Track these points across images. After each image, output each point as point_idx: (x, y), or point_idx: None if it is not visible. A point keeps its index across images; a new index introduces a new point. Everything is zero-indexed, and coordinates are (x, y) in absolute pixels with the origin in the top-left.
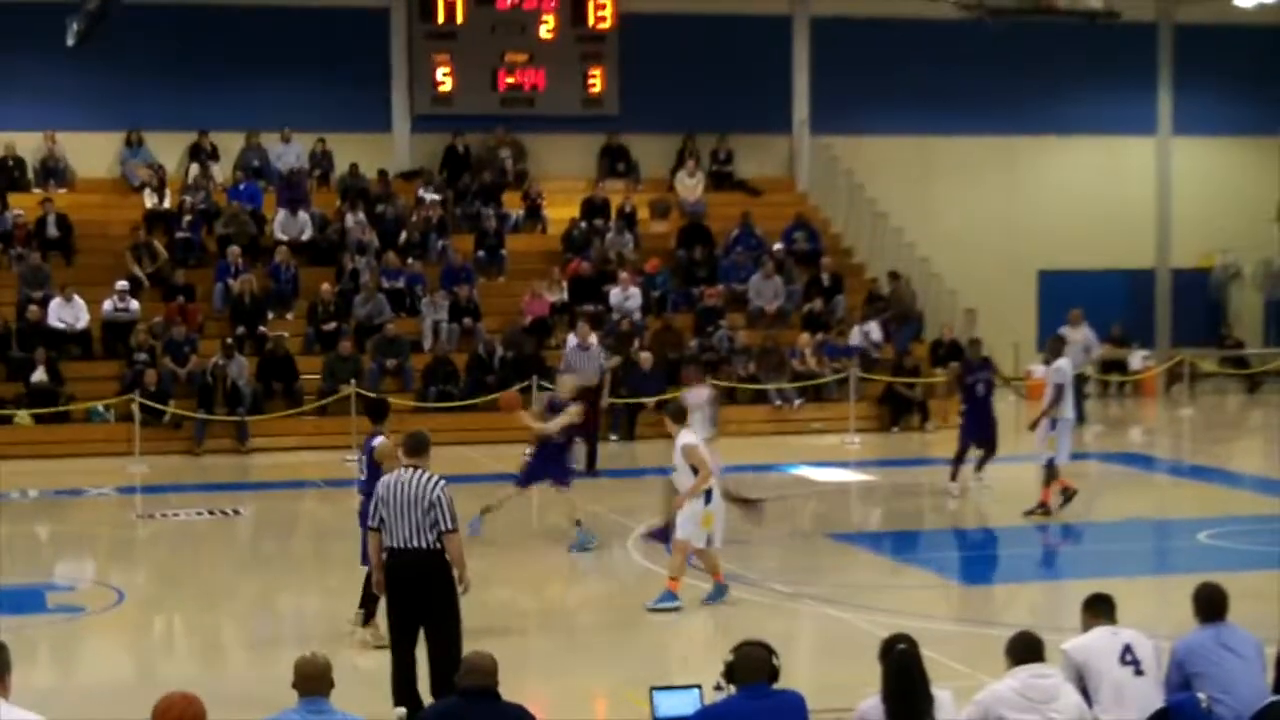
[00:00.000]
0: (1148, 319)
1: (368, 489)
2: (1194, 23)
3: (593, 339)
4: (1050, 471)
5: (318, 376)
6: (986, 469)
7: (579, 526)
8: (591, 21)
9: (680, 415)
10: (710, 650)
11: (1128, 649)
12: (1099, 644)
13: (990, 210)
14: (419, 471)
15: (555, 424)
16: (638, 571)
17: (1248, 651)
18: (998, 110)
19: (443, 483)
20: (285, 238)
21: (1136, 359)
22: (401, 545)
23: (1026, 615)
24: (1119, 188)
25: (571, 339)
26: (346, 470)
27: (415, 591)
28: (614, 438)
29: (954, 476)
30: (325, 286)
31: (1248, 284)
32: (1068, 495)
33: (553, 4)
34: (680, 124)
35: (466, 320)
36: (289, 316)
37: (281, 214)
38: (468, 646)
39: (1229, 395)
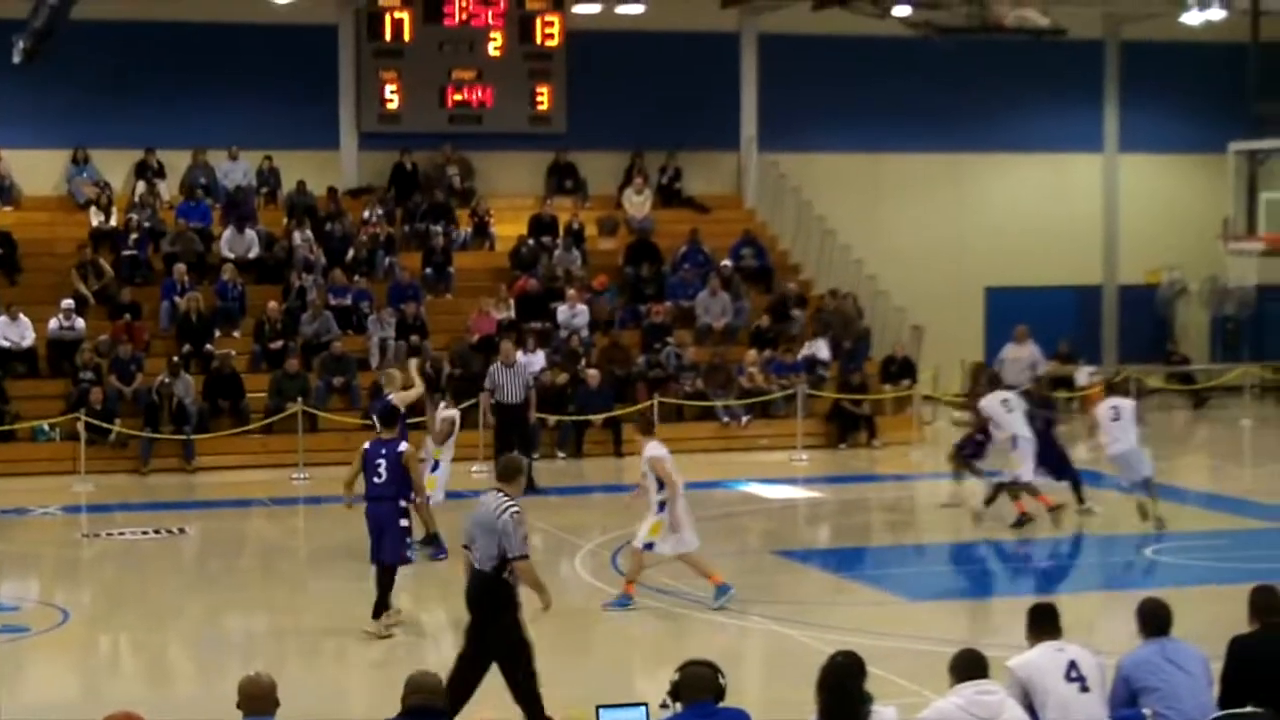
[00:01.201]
0: (1095, 335)
1: (393, 492)
2: (1140, 40)
3: (519, 357)
4: (1015, 488)
5: (264, 395)
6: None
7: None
8: (539, 39)
9: (648, 427)
10: (657, 668)
11: (1073, 665)
12: (1044, 660)
13: (938, 227)
14: (500, 495)
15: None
16: (585, 589)
17: (1193, 666)
18: (945, 127)
19: (513, 510)
20: (232, 255)
21: (1083, 375)
22: (476, 567)
23: (973, 631)
24: (1066, 205)
25: (522, 356)
26: (293, 488)
27: (476, 611)
28: (561, 455)
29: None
30: (272, 304)
31: (1194, 301)
32: (1044, 511)
33: (500, 22)
34: (628, 141)
35: (414, 338)
36: (236, 334)
37: (228, 231)
38: (413, 665)
39: (1175, 411)
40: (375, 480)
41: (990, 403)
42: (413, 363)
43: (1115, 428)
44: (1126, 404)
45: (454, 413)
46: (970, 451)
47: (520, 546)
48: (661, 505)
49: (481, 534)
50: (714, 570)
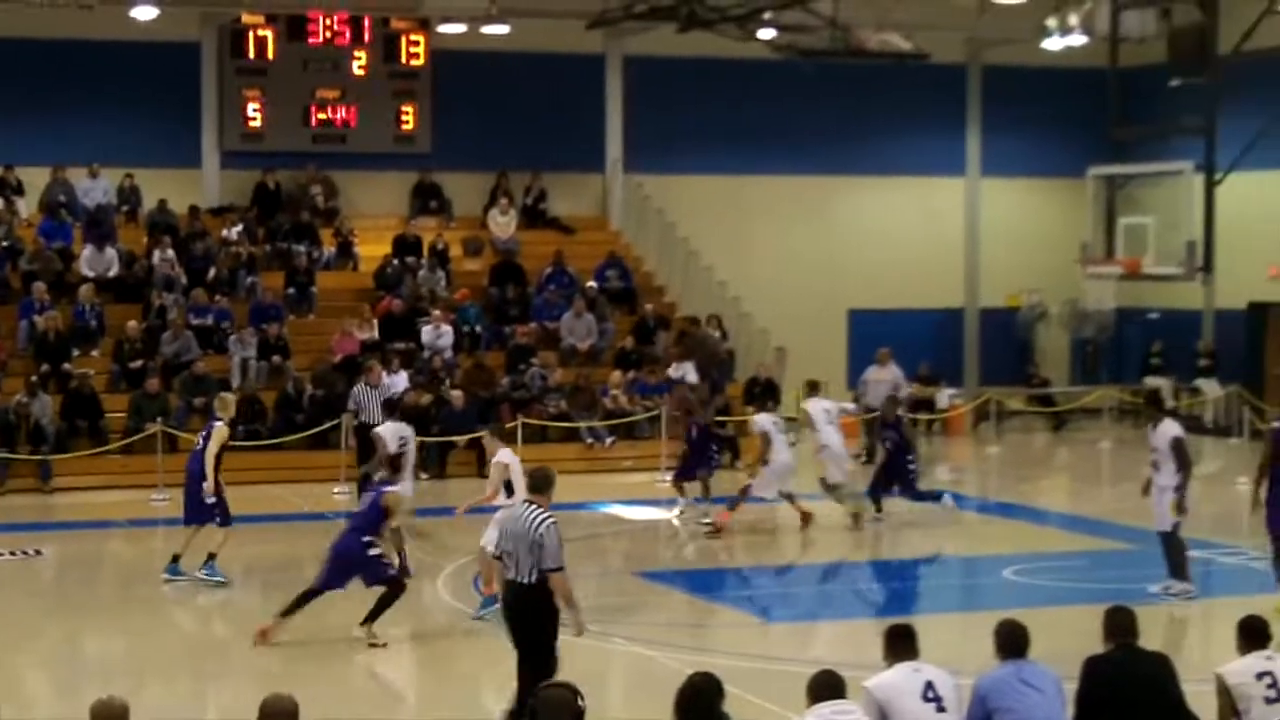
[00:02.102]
0: (956, 358)
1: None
2: (1002, 65)
3: (385, 378)
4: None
5: (123, 415)
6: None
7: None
8: (404, 59)
9: (502, 434)
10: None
11: (929, 686)
12: (901, 681)
13: (801, 249)
14: (534, 508)
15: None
16: (447, 611)
17: (1048, 687)
18: (810, 150)
19: (550, 522)
20: (92, 274)
21: (944, 397)
22: (512, 578)
23: (833, 652)
24: (929, 228)
25: (386, 378)
26: (152, 510)
27: (515, 623)
28: (424, 476)
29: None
30: (132, 324)
31: (1054, 323)
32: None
33: (365, 41)
34: (493, 162)
35: (275, 358)
36: (95, 354)
37: (88, 250)
38: (270, 688)
39: (1035, 433)
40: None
41: (763, 420)
42: (229, 397)
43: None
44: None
45: None
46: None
47: (556, 558)
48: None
49: (518, 546)
50: (494, 582)
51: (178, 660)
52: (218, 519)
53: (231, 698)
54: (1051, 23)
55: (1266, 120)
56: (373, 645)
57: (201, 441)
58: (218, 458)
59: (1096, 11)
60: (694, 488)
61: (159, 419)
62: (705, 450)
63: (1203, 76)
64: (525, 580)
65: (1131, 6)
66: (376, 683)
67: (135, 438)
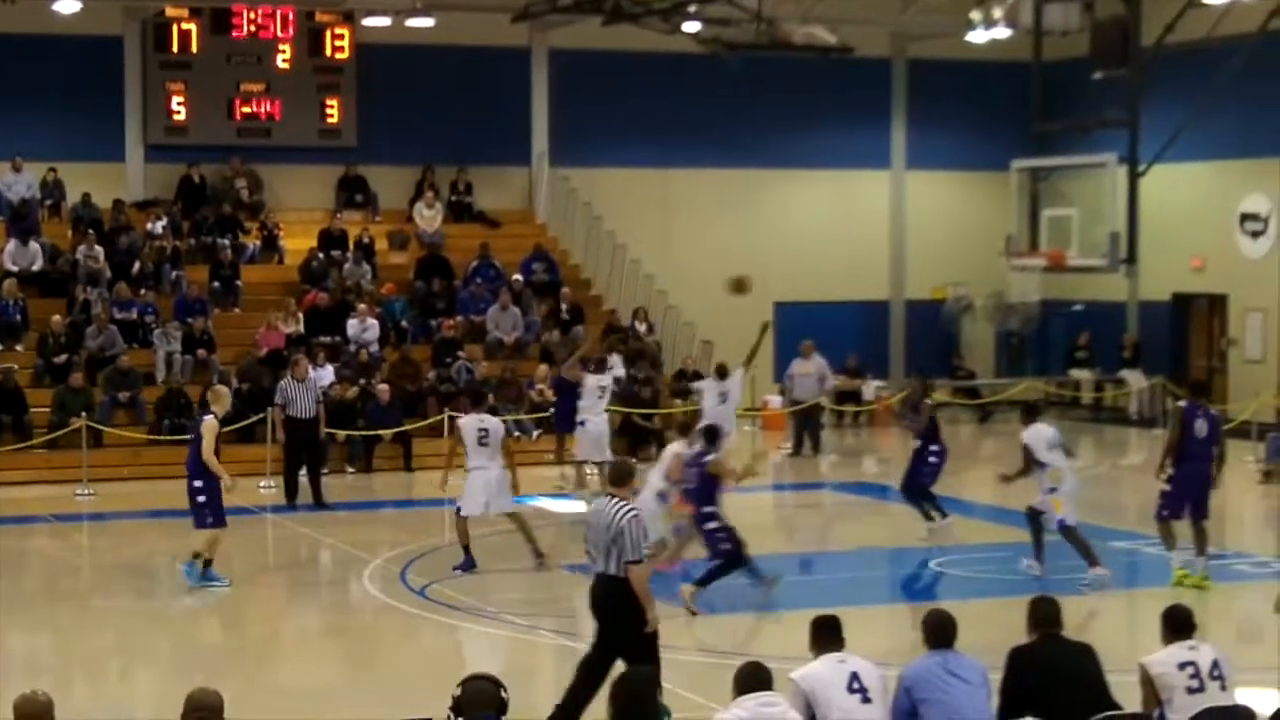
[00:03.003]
0: (882, 350)
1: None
2: (927, 59)
3: (311, 372)
4: None
5: (48, 410)
6: None
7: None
8: (329, 52)
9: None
10: (445, 683)
11: (855, 677)
12: (827, 672)
13: (728, 242)
14: (616, 501)
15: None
16: (375, 605)
17: (973, 678)
18: (736, 143)
19: (633, 513)
20: (15, 268)
21: (870, 390)
22: (601, 571)
23: (761, 644)
24: (854, 221)
25: (312, 371)
26: (77, 505)
27: (604, 616)
28: (351, 470)
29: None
30: (56, 318)
31: (979, 316)
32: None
33: (290, 34)
34: (419, 155)
35: (200, 352)
36: (18, 348)
37: (12, 244)
38: (193, 683)
39: (961, 425)
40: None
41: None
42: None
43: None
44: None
45: None
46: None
47: (636, 550)
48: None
49: (598, 539)
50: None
51: (103, 657)
52: (209, 519)
53: (157, 694)
54: (976, 16)
55: (1189, 113)
56: (691, 612)
57: (193, 438)
58: (216, 452)
59: (1020, 5)
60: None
61: (83, 414)
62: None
63: (1125, 69)
64: (611, 573)
65: (1055, 0)
66: (304, 679)
67: (60, 433)
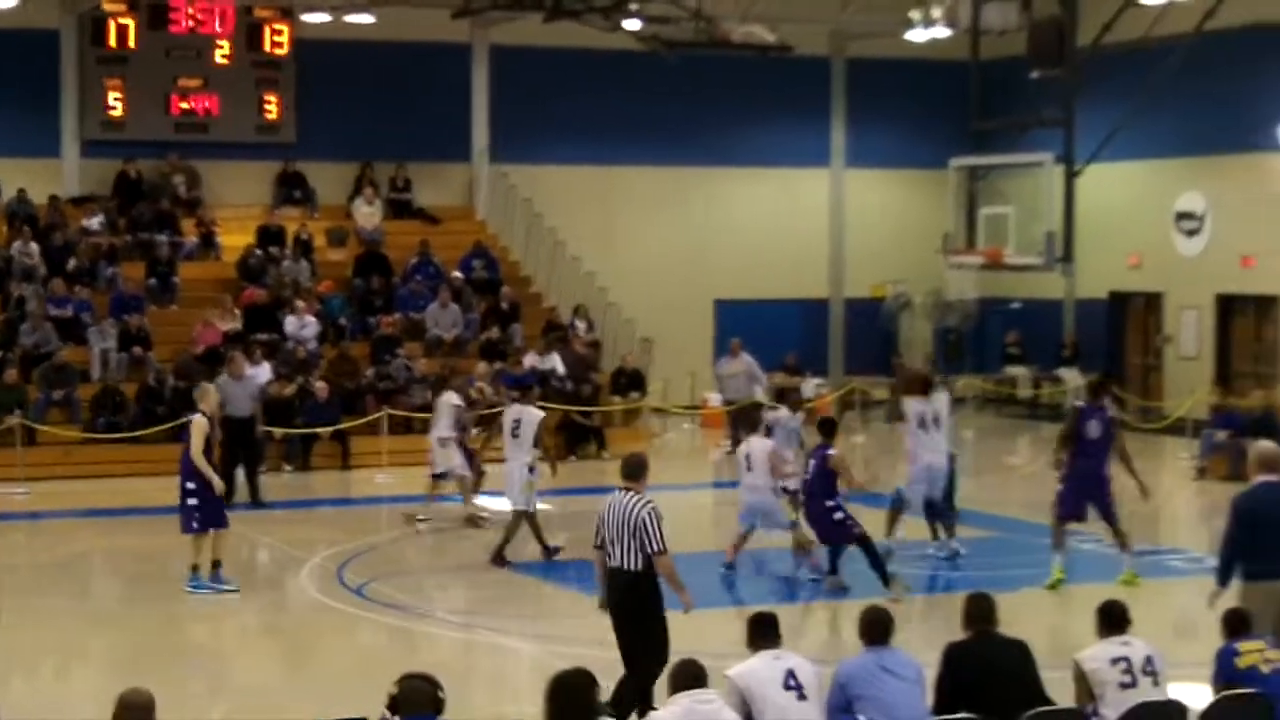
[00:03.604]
0: (822, 348)
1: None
2: (866, 57)
3: (248, 370)
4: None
5: None
6: None
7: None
8: (268, 48)
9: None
10: (382, 681)
11: (790, 674)
12: (762, 669)
13: (668, 240)
14: (631, 494)
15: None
16: (311, 604)
17: (908, 674)
18: (676, 141)
19: (651, 506)
20: None
21: (809, 387)
22: (618, 566)
23: (697, 642)
24: (794, 219)
25: (249, 369)
26: (12, 503)
27: (624, 610)
28: (288, 468)
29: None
30: None
31: (917, 314)
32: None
33: (228, 30)
34: (358, 152)
35: (136, 349)
36: None
37: None
38: (127, 683)
39: (900, 423)
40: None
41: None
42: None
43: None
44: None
45: None
46: None
47: (660, 541)
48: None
49: (616, 533)
50: None
51: (38, 656)
52: (195, 524)
53: (92, 693)
54: (915, 15)
55: (1126, 112)
56: (894, 601)
57: (185, 439)
58: (207, 453)
59: (959, 4)
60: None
61: (17, 411)
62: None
63: (1062, 69)
64: (634, 567)
65: (993, 0)
66: (241, 678)
67: None
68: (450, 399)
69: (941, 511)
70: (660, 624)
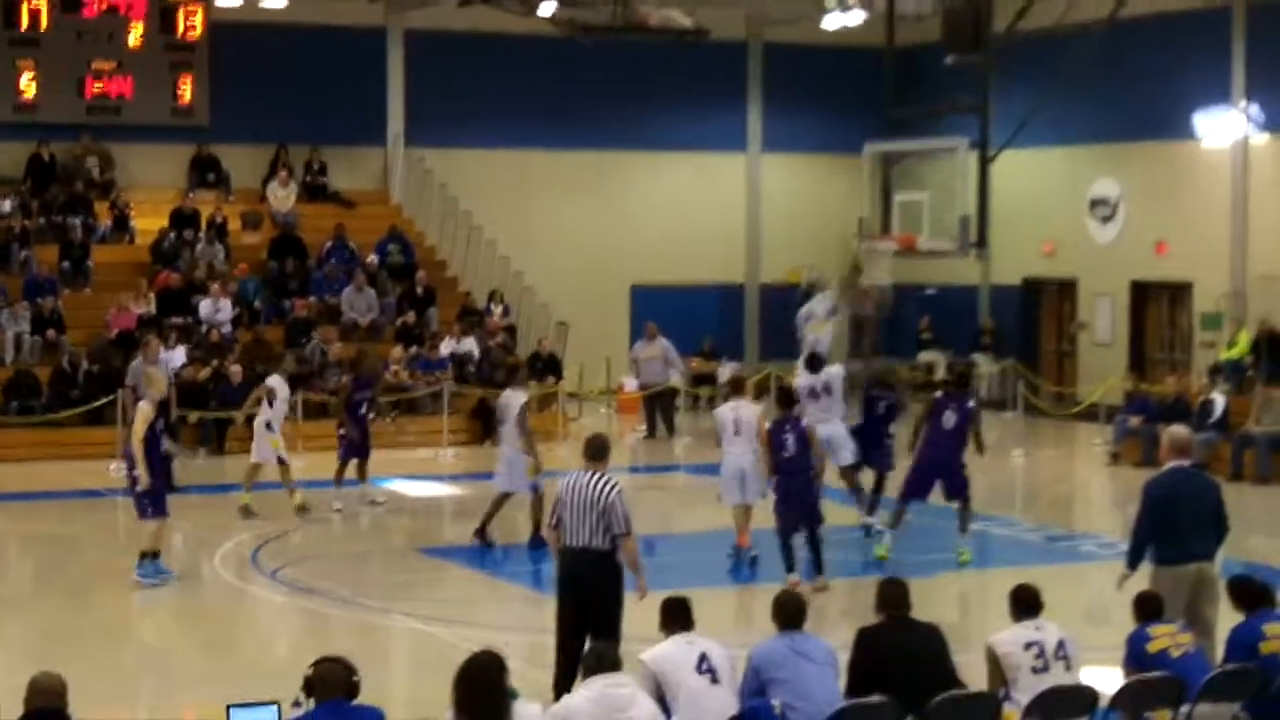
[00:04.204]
0: (738, 333)
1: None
2: (783, 43)
3: (162, 354)
4: None
5: None
6: None
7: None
8: (181, 31)
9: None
10: (297, 666)
11: (704, 658)
12: (675, 654)
13: (584, 225)
14: (596, 474)
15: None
16: (225, 588)
17: (821, 658)
18: (592, 126)
19: (618, 487)
20: None
21: (726, 372)
22: (578, 545)
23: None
24: (710, 204)
25: (164, 352)
26: None
27: (586, 591)
28: (203, 452)
29: None
30: None
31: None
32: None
33: (141, 13)
34: (273, 135)
35: (50, 333)
36: None
37: None
38: (38, 668)
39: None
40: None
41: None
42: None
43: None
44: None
45: None
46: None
47: (626, 523)
48: None
49: (579, 513)
50: None
51: None
52: (149, 510)
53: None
54: (830, 1)
55: (1040, 98)
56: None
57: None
58: (149, 440)
59: None
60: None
61: None
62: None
63: (977, 55)
64: (597, 545)
65: None
66: (154, 662)
67: None
68: (275, 383)
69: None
70: (619, 605)
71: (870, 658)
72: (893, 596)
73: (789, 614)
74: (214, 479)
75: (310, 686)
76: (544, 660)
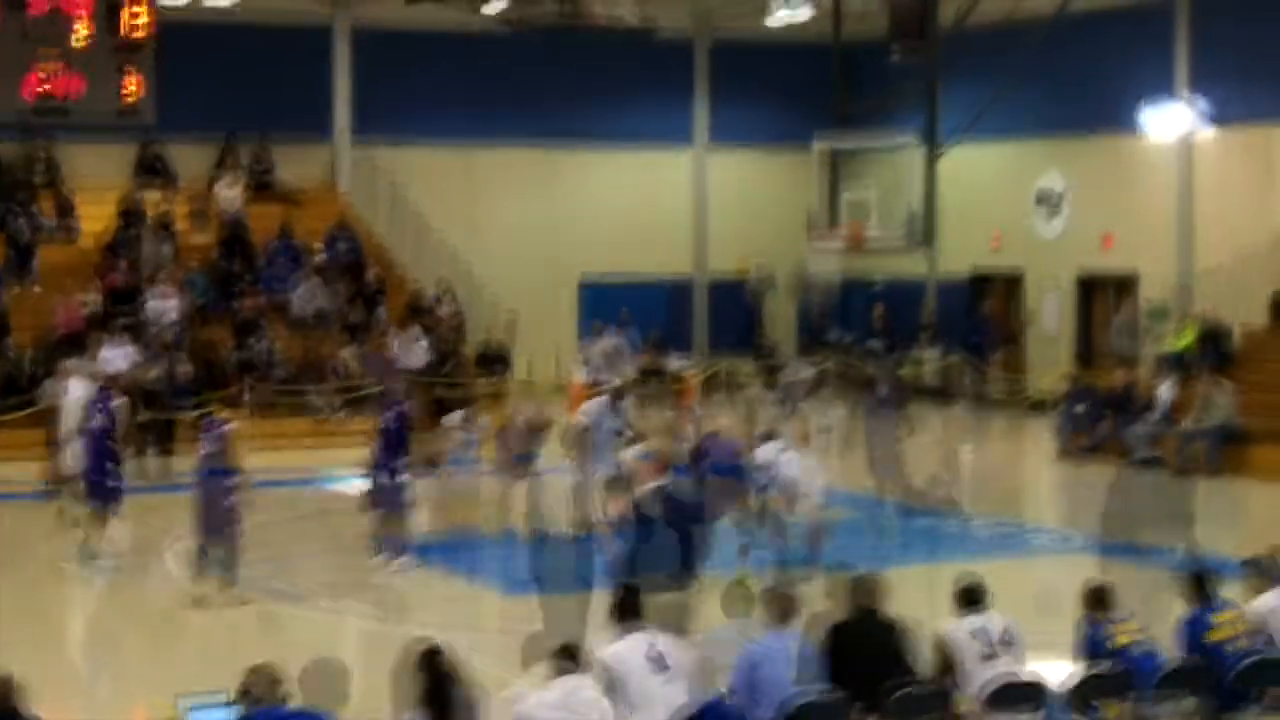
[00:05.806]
0: (686, 326)
1: None
2: (729, 38)
3: (105, 351)
4: None
5: None
6: None
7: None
8: (126, 29)
9: None
10: (248, 663)
11: (659, 655)
12: (628, 652)
13: (532, 219)
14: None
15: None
16: (175, 586)
17: (791, 651)
18: (539, 120)
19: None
20: None
21: (674, 365)
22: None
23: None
24: (658, 198)
25: (106, 350)
26: None
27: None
28: (150, 451)
29: None
30: None
31: (781, 292)
32: None
33: (87, 10)
34: (219, 132)
35: None
36: None
37: None
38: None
39: (765, 405)
40: None
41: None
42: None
43: None
44: None
45: None
46: None
47: None
48: None
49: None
50: None
51: None
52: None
53: None
54: None
55: (987, 93)
56: None
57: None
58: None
59: None
60: None
61: None
62: None
63: (924, 50)
64: None
65: None
66: (103, 662)
67: None
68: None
69: None
70: None
71: (838, 651)
72: (860, 590)
73: (782, 610)
74: (162, 480)
75: (244, 692)
76: (493, 656)
